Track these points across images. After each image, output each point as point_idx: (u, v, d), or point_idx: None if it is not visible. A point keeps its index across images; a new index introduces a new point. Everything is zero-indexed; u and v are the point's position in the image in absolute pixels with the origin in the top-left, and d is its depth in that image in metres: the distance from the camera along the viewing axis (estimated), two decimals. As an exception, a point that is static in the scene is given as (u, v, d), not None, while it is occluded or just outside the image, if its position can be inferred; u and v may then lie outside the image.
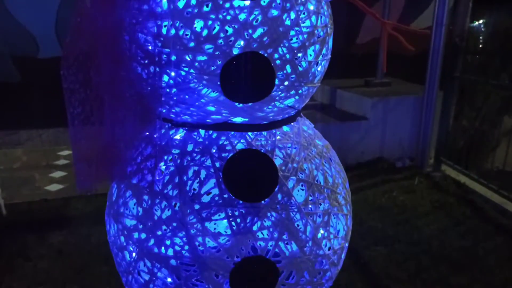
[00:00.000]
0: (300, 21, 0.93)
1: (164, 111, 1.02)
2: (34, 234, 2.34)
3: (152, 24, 0.89)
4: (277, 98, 0.97)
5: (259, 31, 0.90)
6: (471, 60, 3.95)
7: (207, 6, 0.87)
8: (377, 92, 4.07)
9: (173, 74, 0.92)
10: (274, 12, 0.90)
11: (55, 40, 4.11)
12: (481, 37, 5.23)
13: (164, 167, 0.98)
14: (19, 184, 3.10)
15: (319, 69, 1.03)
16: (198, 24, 0.88)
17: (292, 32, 0.92)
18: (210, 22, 0.87)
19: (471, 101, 4.14)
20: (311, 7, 0.96)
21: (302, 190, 1.03)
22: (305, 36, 0.94)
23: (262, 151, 0.97)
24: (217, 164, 0.96)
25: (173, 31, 0.89)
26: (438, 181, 3.35)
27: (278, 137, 1.02)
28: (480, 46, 5.06)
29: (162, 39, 0.90)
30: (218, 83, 0.91)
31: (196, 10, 0.87)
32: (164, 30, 0.89)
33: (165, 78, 0.94)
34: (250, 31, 0.89)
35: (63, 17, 4.07)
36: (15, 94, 4.05)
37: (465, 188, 3.20)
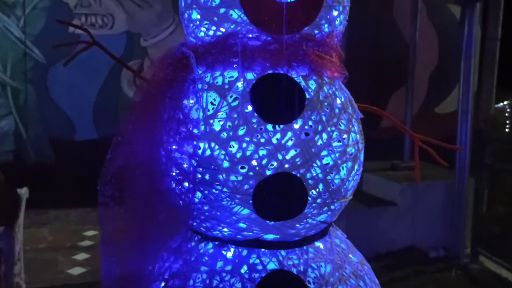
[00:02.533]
0: (332, 141, 0.95)
1: (195, 224, 1.01)
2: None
3: (188, 145, 0.93)
4: (310, 215, 0.96)
5: (292, 152, 0.91)
6: (499, 146, 3.89)
7: (241, 130, 0.90)
8: (405, 176, 3.99)
9: (206, 192, 0.93)
10: (306, 135, 0.92)
11: (92, 124, 4.36)
12: (507, 122, 5.20)
13: None
14: (42, 266, 3.08)
15: (351, 184, 1.02)
16: (233, 146, 0.91)
17: (324, 152, 0.94)
18: (244, 145, 0.90)
19: (504, 187, 4.00)
20: (342, 127, 0.98)
21: (337, 313, 0.96)
22: (337, 155, 0.95)
23: (294, 272, 0.94)
24: (248, 287, 0.92)
25: (208, 152, 0.92)
26: (476, 275, 3.11)
27: (310, 255, 0.98)
28: (507, 130, 5.01)
29: (197, 158, 0.92)
30: (251, 201, 0.91)
31: (231, 133, 0.91)
32: (199, 151, 0.92)
33: (198, 194, 0.95)
34: (283, 152, 0.91)
35: (100, 103, 4.36)
36: (49, 174, 4.20)
37: (508, 284, 2.95)
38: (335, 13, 1.00)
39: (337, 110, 0.97)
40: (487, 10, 5.16)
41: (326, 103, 0.96)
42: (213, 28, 0.98)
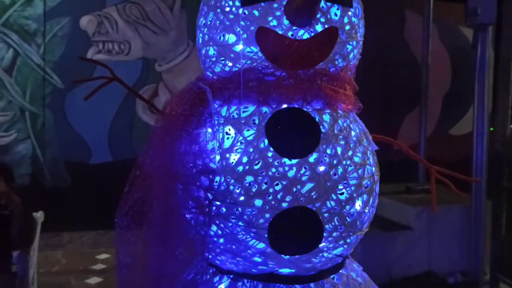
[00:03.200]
0: (347, 175, 0.95)
1: (210, 256, 1.01)
2: None
3: (205, 178, 0.94)
4: (325, 249, 0.95)
5: (307, 186, 0.92)
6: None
7: (257, 164, 0.91)
8: (420, 199, 3.93)
9: (222, 225, 0.93)
10: (321, 168, 0.93)
11: (107, 148, 4.43)
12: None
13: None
14: (55, 290, 3.09)
15: (367, 216, 1.01)
16: (248, 180, 0.92)
17: (340, 186, 0.94)
18: (260, 179, 0.91)
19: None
20: (357, 160, 0.98)
21: None
22: (353, 188, 0.96)
23: (310, 309, 0.93)
24: (263, 326, 0.91)
25: (224, 186, 0.93)
26: (497, 304, 3.01)
27: (326, 290, 0.97)
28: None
29: (213, 192, 0.93)
30: (266, 235, 0.91)
31: (247, 167, 0.92)
32: (215, 184, 0.93)
33: (213, 227, 0.95)
34: (298, 186, 0.91)
35: (115, 127, 4.44)
36: (64, 197, 4.25)
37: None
38: (349, 47, 1.02)
39: (352, 143, 0.98)
40: (500, 31, 5.15)
41: (341, 136, 0.97)
42: (230, 64, 1.01)
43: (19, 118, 4.30)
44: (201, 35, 1.06)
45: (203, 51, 1.07)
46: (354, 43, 1.03)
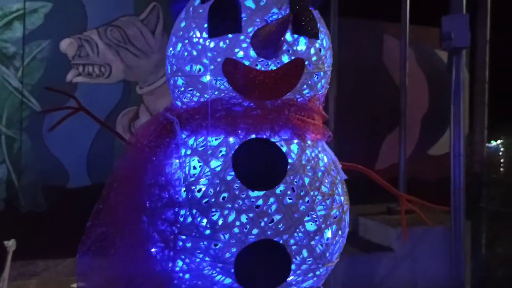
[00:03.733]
0: (315, 206, 0.94)
1: (177, 292, 0.98)
2: None
3: (170, 211, 0.92)
4: (294, 282, 0.93)
5: (275, 218, 0.90)
6: (495, 189, 3.89)
7: (223, 196, 0.90)
8: (401, 220, 3.94)
9: (187, 260, 0.91)
10: (289, 200, 0.92)
11: (85, 172, 4.34)
12: (501, 162, 5.23)
13: None
14: (27, 322, 2.94)
15: (337, 247, 1.00)
16: (215, 213, 0.90)
17: (307, 217, 0.93)
18: (226, 212, 0.89)
19: (503, 228, 3.95)
20: (325, 190, 0.98)
21: None
22: (321, 219, 0.95)
23: None
24: None
25: (189, 219, 0.90)
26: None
27: (296, 325, 0.94)
28: (502, 169, 5.02)
29: (179, 225, 0.91)
30: (232, 270, 0.89)
31: (213, 200, 0.90)
32: (181, 218, 0.91)
33: (179, 263, 0.93)
34: (265, 219, 0.90)
35: (95, 150, 4.37)
36: (40, 223, 4.12)
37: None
38: (316, 78, 1.03)
39: (320, 173, 0.98)
40: (474, 54, 5.33)
41: (308, 167, 0.96)
42: (198, 94, 1.00)
43: (-5, 142, 4.20)
44: (169, 65, 1.06)
45: (172, 81, 1.06)
46: (322, 73, 1.04)
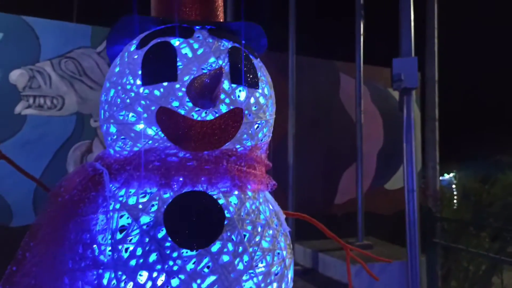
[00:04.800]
0: (254, 263, 0.88)
1: None
2: None
3: (92, 273, 0.83)
4: None
5: (209, 280, 0.84)
6: (448, 225, 3.99)
7: (153, 256, 0.83)
8: (360, 256, 3.94)
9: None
10: (225, 258, 0.86)
11: (31, 209, 4.07)
12: (454, 196, 5.43)
13: None
14: None
15: (280, 306, 0.94)
16: (142, 276, 0.82)
17: (246, 277, 0.87)
18: (155, 274, 0.82)
19: (456, 263, 4.03)
20: (266, 245, 0.93)
21: None
22: (260, 277, 0.89)
23: None
24: None
25: (114, 282, 0.82)
26: None
27: None
28: (455, 202, 5.20)
29: (102, 289, 0.82)
30: None
31: (141, 261, 0.82)
32: (105, 281, 0.83)
33: (103, 331, 0.83)
34: (198, 281, 0.83)
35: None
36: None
37: None
38: (257, 127, 1.00)
39: (260, 227, 0.93)
40: (424, 93, 5.64)
41: (248, 221, 0.91)
42: (130, 143, 0.94)
43: None
44: (102, 111, 1.00)
45: (104, 128, 1.00)
46: (263, 122, 1.01)
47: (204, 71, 0.92)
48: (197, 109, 0.91)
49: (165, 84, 0.91)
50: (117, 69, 0.97)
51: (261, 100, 1.00)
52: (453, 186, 5.97)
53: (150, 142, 0.92)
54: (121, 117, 0.94)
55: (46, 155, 4.43)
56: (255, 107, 0.98)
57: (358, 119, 4.71)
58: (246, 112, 0.96)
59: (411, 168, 3.94)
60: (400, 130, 3.99)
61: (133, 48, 0.97)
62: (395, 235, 4.52)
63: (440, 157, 5.42)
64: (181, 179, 0.90)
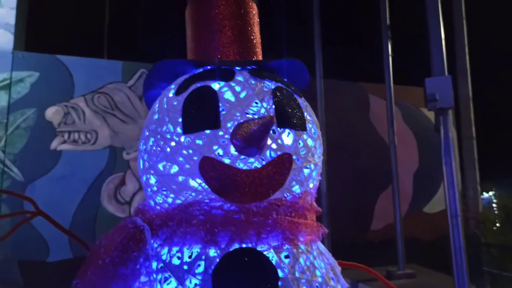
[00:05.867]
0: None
1: None
2: None
3: None
4: None
5: None
6: (495, 251, 3.73)
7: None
8: (402, 285, 3.72)
9: None
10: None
11: (67, 244, 4.09)
12: (496, 213, 5.10)
13: None
14: None
15: None
16: None
17: None
18: None
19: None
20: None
21: None
22: None
23: None
24: None
25: None
26: None
27: None
28: (497, 223, 4.87)
29: None
30: None
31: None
32: None
33: None
34: None
35: (77, 220, 4.15)
36: (14, 303, 3.79)
37: None
38: (306, 171, 0.92)
39: (317, 286, 0.83)
40: (459, 112, 5.42)
41: (303, 280, 0.82)
42: (172, 195, 0.88)
43: (-29, 215, 3.98)
44: (141, 160, 0.94)
45: (144, 178, 0.94)
46: (312, 165, 0.93)
47: (249, 115, 0.85)
48: (242, 157, 0.84)
49: (207, 132, 0.85)
50: (155, 116, 0.92)
51: (309, 142, 0.92)
52: (494, 205, 5.64)
53: (193, 194, 0.85)
54: (161, 168, 0.89)
55: (81, 189, 4.49)
56: (303, 150, 0.90)
57: (392, 141, 4.54)
58: (295, 157, 0.88)
59: (453, 192, 3.72)
60: (436, 150, 3.80)
61: (171, 93, 0.92)
62: (438, 261, 4.26)
63: (480, 176, 5.15)
64: (227, 234, 0.82)
